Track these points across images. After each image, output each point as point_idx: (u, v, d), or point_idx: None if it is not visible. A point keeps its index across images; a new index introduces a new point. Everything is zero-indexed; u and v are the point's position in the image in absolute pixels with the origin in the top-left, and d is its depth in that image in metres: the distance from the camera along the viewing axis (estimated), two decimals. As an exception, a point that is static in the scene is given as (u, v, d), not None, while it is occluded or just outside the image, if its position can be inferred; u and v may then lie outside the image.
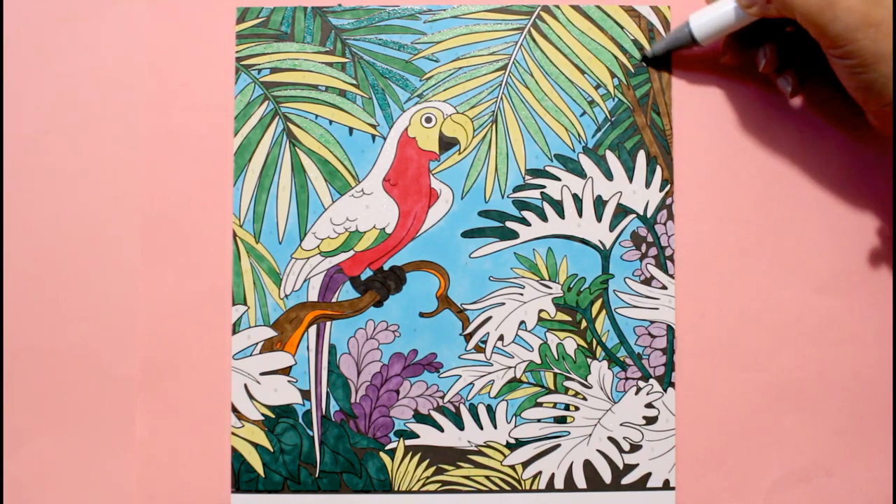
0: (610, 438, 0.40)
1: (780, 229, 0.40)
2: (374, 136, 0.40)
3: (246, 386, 0.40)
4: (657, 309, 0.40)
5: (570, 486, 0.40)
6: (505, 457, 0.40)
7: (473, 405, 0.40)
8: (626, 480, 0.40)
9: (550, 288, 0.40)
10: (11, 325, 0.40)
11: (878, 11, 0.32)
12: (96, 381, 0.40)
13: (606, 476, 0.40)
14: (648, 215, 0.40)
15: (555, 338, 0.40)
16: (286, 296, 0.40)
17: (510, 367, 0.40)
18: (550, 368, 0.40)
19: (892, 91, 0.33)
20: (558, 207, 0.40)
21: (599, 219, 0.40)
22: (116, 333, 0.40)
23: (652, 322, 0.40)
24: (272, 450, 0.40)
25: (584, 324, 0.40)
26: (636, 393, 0.40)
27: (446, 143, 0.40)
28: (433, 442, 0.40)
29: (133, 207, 0.40)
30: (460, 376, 0.40)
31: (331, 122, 0.40)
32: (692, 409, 0.40)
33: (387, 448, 0.40)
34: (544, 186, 0.40)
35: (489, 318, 0.40)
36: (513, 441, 0.40)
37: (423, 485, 0.40)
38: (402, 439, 0.40)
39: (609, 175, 0.40)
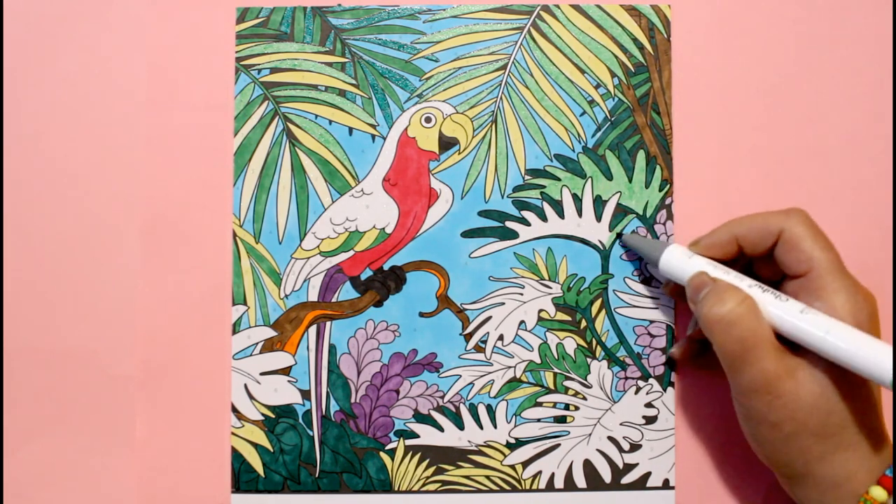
0: (610, 438, 0.40)
1: (780, 229, 0.40)
2: (373, 136, 0.40)
3: (246, 386, 0.40)
4: (657, 309, 0.40)
5: (570, 485, 0.40)
6: (505, 456, 0.40)
7: (473, 405, 0.40)
8: (625, 480, 0.40)
9: (550, 288, 0.40)
10: (11, 325, 0.40)
11: (789, 385, 0.32)
12: (96, 381, 0.40)
13: (606, 476, 0.40)
14: (648, 215, 0.40)
15: (555, 337, 0.40)
16: (286, 296, 0.40)
17: (510, 367, 0.40)
18: (550, 368, 0.40)
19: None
20: (558, 207, 0.40)
21: (599, 219, 0.40)
22: (116, 333, 0.40)
23: (652, 322, 0.40)
24: (272, 450, 0.40)
25: (583, 323, 0.40)
26: (636, 392, 0.40)
27: (446, 143, 0.40)
28: (433, 442, 0.40)
29: (133, 207, 0.40)
30: (460, 376, 0.40)
31: (331, 122, 0.40)
32: (692, 409, 0.40)
33: (387, 448, 0.40)
34: (544, 186, 0.40)
35: (489, 318, 0.40)
36: (513, 441, 0.40)
37: (424, 485, 0.40)
38: (402, 439, 0.40)
39: (609, 175, 0.40)
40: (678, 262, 0.36)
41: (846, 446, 0.32)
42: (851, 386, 0.32)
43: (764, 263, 0.36)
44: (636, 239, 0.39)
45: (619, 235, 0.40)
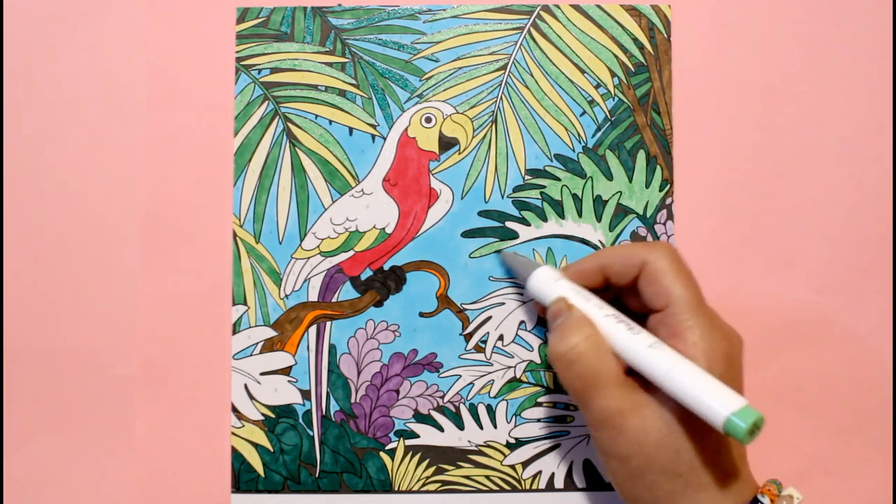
0: (610, 438, 0.40)
1: (779, 229, 0.40)
2: (373, 136, 0.40)
3: (246, 386, 0.40)
4: (657, 309, 0.40)
5: (570, 485, 0.40)
6: (505, 456, 0.40)
7: (473, 405, 0.40)
8: (626, 480, 0.40)
9: (550, 288, 0.40)
10: (11, 325, 0.40)
11: (635, 421, 0.31)
12: (96, 381, 0.40)
13: (606, 476, 0.40)
14: (648, 215, 0.40)
15: (555, 338, 0.40)
16: (286, 296, 0.40)
17: (510, 367, 0.40)
18: (550, 368, 0.40)
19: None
20: (558, 207, 0.40)
21: (599, 219, 0.40)
22: (116, 333, 0.40)
23: (652, 322, 0.40)
24: (272, 450, 0.40)
25: (584, 324, 0.40)
26: (636, 393, 0.40)
27: (446, 143, 0.40)
28: (433, 442, 0.40)
29: (133, 207, 0.40)
30: (460, 376, 0.40)
31: (331, 122, 0.40)
32: (692, 409, 0.40)
33: (387, 448, 0.40)
34: (544, 186, 0.40)
35: (489, 318, 0.40)
36: (513, 441, 0.40)
37: (424, 485, 0.40)
38: (402, 439, 0.40)
39: (609, 175, 0.40)
40: (545, 284, 0.36)
41: (696, 486, 0.31)
42: (702, 425, 0.30)
43: (631, 295, 0.36)
44: (510, 257, 0.39)
45: (499, 251, 0.40)
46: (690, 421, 0.31)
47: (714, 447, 0.31)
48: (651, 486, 0.31)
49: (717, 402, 0.29)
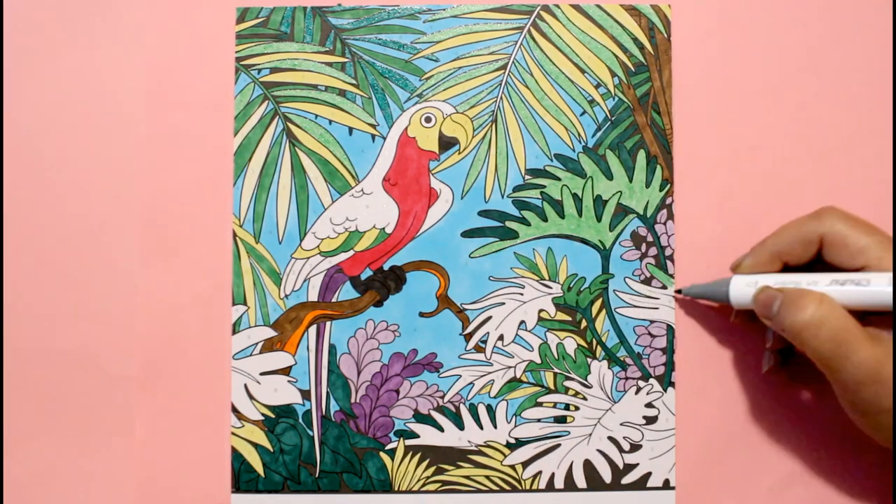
0: (610, 438, 0.40)
1: (780, 229, 0.40)
2: (373, 136, 0.40)
3: (246, 386, 0.40)
4: (657, 309, 0.40)
5: (570, 485, 0.40)
6: (505, 457, 0.40)
7: (473, 405, 0.40)
8: (626, 480, 0.40)
9: (550, 288, 0.40)
10: (11, 325, 0.40)
11: (888, 369, 0.32)
12: (96, 381, 0.40)
13: (606, 476, 0.40)
14: (648, 215, 0.40)
15: (555, 337, 0.40)
16: (286, 296, 0.40)
17: (510, 367, 0.40)
18: (550, 368, 0.40)
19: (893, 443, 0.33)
20: (558, 207, 0.40)
21: (599, 219, 0.40)
22: (116, 333, 0.40)
23: (652, 322, 0.40)
24: (272, 450, 0.40)
25: (584, 323, 0.40)
26: (636, 393, 0.40)
27: (446, 143, 0.40)
28: (433, 442, 0.40)
29: (133, 207, 0.40)
30: (460, 376, 0.40)
31: (330, 121, 0.40)
32: (692, 409, 0.40)
33: (387, 448, 0.40)
34: (544, 186, 0.40)
35: (489, 318, 0.40)
36: (513, 441, 0.40)
37: (424, 485, 0.40)
38: (402, 439, 0.40)
39: (609, 175, 0.40)
40: (747, 288, 0.36)
41: None
42: None
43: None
44: (696, 291, 0.39)
45: (679, 291, 0.40)
46: None
47: None
48: None
49: None
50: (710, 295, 0.38)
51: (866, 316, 0.34)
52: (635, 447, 0.40)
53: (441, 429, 0.40)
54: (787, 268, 0.36)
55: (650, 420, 0.40)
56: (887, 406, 0.32)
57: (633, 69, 0.40)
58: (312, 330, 0.40)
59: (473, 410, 0.40)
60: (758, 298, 0.35)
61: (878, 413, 0.32)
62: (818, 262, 0.36)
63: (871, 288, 0.33)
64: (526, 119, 0.40)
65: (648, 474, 0.40)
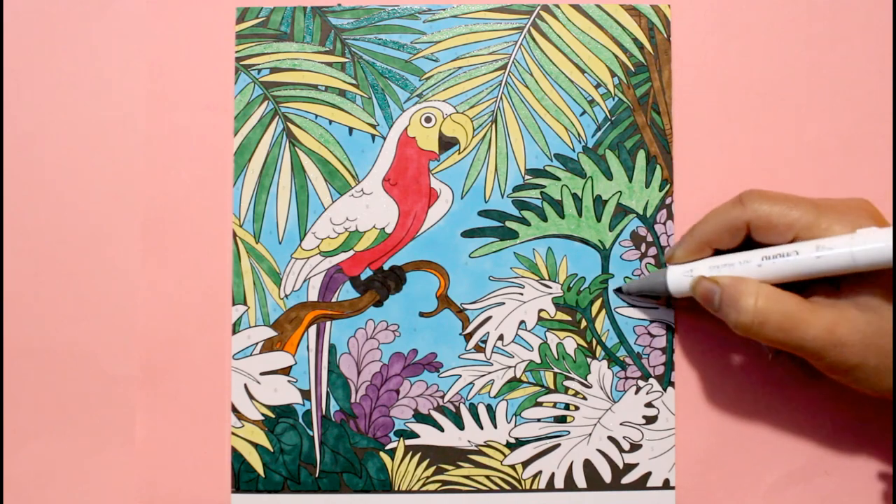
0: (610, 438, 0.40)
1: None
2: (373, 136, 0.40)
3: (246, 386, 0.40)
4: (657, 308, 0.40)
5: (570, 485, 0.40)
6: (505, 456, 0.40)
7: (473, 405, 0.40)
8: (626, 480, 0.40)
9: (550, 287, 0.40)
10: (11, 325, 0.40)
11: (842, 330, 0.32)
12: (96, 381, 0.40)
13: (606, 476, 0.40)
14: (648, 215, 0.40)
15: (555, 337, 0.40)
16: (286, 296, 0.40)
17: (510, 367, 0.40)
18: (550, 368, 0.40)
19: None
20: (558, 207, 0.40)
21: (599, 219, 0.40)
22: (116, 333, 0.40)
23: (652, 322, 0.40)
24: (272, 450, 0.40)
25: (583, 323, 0.40)
26: (636, 392, 0.40)
27: (446, 143, 0.40)
28: (433, 442, 0.40)
29: (133, 207, 0.40)
30: (460, 376, 0.40)
31: (330, 121, 0.40)
32: (692, 409, 0.40)
33: (387, 448, 0.40)
34: (544, 186, 0.40)
35: (489, 318, 0.40)
36: (513, 441, 0.40)
37: (423, 485, 0.40)
38: (402, 439, 0.40)
39: (609, 175, 0.40)
40: (684, 279, 0.36)
41: None
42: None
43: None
44: (634, 286, 0.39)
45: (619, 290, 0.40)
46: (886, 294, 0.32)
47: None
48: None
49: None
50: (650, 289, 0.38)
51: (809, 285, 0.34)
52: (635, 447, 0.40)
53: (441, 429, 0.40)
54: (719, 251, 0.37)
55: (650, 420, 0.40)
56: (855, 362, 0.32)
57: (632, 69, 0.40)
58: (312, 330, 0.40)
59: (473, 410, 0.40)
60: (696, 291, 0.35)
61: (850, 370, 0.33)
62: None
63: (801, 257, 0.33)
64: (526, 119, 0.40)
65: (648, 474, 0.40)
